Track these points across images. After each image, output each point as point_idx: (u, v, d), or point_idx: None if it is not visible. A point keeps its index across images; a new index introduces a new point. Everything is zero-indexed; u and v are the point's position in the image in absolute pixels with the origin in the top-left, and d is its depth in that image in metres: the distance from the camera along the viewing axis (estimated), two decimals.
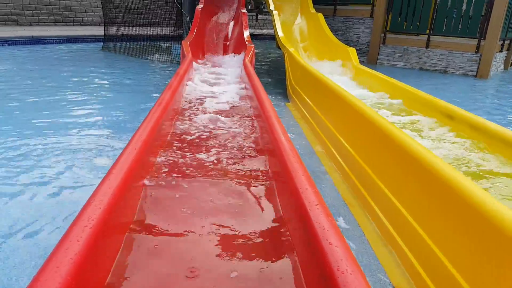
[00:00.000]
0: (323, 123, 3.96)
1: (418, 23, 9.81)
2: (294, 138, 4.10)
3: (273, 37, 8.76)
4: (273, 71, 8.68)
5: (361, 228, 2.48)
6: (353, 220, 2.58)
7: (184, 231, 1.67)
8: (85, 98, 5.17)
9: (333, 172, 3.31)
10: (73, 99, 5.03)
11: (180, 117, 3.35)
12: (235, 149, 2.73)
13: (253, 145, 2.81)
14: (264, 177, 2.27)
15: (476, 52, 9.06)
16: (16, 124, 3.92)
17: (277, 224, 1.77)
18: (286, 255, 1.54)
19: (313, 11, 8.87)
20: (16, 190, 2.64)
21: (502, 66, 10.62)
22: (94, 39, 11.15)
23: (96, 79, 6.45)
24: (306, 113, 4.76)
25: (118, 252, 1.46)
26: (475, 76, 9.11)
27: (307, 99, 4.81)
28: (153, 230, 1.65)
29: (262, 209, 1.91)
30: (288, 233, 1.66)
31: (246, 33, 7.13)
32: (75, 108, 4.65)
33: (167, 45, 9.67)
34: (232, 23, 8.73)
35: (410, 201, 2.15)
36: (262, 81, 6.91)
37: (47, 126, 3.92)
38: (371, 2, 10.59)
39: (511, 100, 7.00)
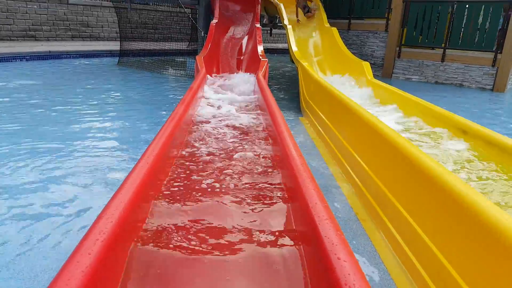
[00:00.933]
0: (336, 138, 3.91)
1: (433, 36, 9.74)
2: (307, 152, 4.05)
3: (287, 51, 8.79)
4: (287, 85, 8.68)
5: (373, 244, 2.42)
6: (365, 235, 2.52)
7: (192, 248, 1.63)
8: (100, 112, 5.23)
9: (346, 187, 3.25)
10: (88, 113, 5.09)
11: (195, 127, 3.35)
12: (247, 162, 2.69)
13: (266, 160, 2.77)
14: (277, 191, 2.23)
15: (493, 65, 8.92)
16: (31, 136, 3.97)
17: (288, 238, 1.74)
18: (295, 267, 1.54)
19: (328, 25, 8.89)
20: (32, 200, 2.64)
21: None
22: (110, 54, 11.37)
23: (111, 94, 6.53)
24: (319, 128, 4.72)
25: (126, 264, 1.45)
26: (492, 90, 8.95)
27: (321, 114, 4.77)
28: (162, 244, 1.62)
29: (275, 222, 1.89)
30: (299, 247, 1.65)
31: (260, 48, 7.17)
32: (90, 122, 4.70)
33: (182, 59, 9.79)
34: (246, 37, 8.80)
35: (424, 219, 2.07)
36: (275, 94, 6.93)
37: (61, 139, 3.96)
38: (386, 16, 10.57)
39: None
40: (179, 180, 2.32)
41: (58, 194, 2.81)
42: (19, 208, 2.58)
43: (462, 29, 9.31)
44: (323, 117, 4.62)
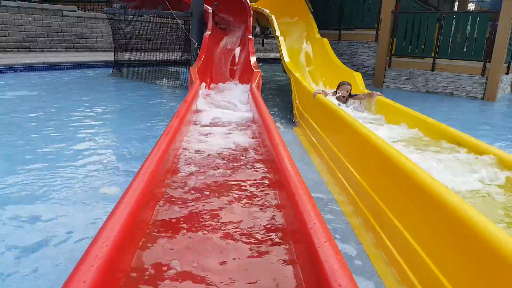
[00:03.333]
0: (330, 149, 3.97)
1: (423, 46, 9.91)
2: (301, 165, 4.10)
3: (279, 61, 8.89)
4: (280, 95, 8.76)
5: (372, 263, 2.44)
6: (363, 252, 2.55)
7: (190, 265, 1.66)
8: (93, 123, 5.25)
9: (341, 200, 3.30)
10: (81, 125, 5.11)
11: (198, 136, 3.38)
12: (241, 173, 2.73)
13: (261, 174, 2.81)
14: (274, 207, 2.25)
15: (482, 74, 9.09)
16: (22, 148, 3.98)
17: (287, 263, 1.72)
18: None
19: (318, 36, 9.02)
20: (23, 220, 2.65)
21: (509, 88, 10.62)
22: (104, 64, 11.40)
23: (105, 104, 6.56)
24: (313, 139, 4.78)
25: None
26: (482, 98, 9.10)
27: (314, 125, 4.84)
28: (161, 269, 1.63)
29: (273, 246, 1.86)
30: (300, 273, 1.63)
31: (253, 59, 7.24)
32: (83, 133, 4.72)
33: (175, 70, 9.85)
34: (239, 48, 8.88)
35: (423, 236, 2.11)
36: (269, 104, 6.99)
37: (53, 153, 3.97)
38: (376, 26, 10.75)
39: None
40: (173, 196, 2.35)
41: (48, 209, 2.81)
42: (5, 225, 2.59)
43: (451, 38, 9.49)
44: (316, 127, 4.69)
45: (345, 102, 5.48)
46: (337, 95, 5.48)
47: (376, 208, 2.69)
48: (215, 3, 9.59)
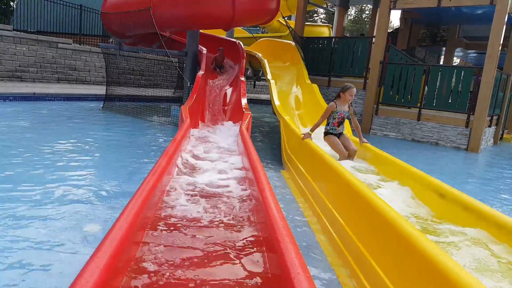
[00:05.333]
0: (317, 195, 3.95)
1: (409, 96, 10.22)
2: (287, 208, 4.06)
3: (269, 102, 9.03)
4: (269, 136, 8.83)
5: None
6: None
7: None
8: (79, 158, 5.17)
9: (327, 247, 3.24)
10: (66, 158, 5.03)
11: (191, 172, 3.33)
12: (227, 217, 2.68)
13: (246, 221, 2.76)
14: (258, 255, 2.20)
15: (466, 126, 9.35)
16: (3, 181, 3.87)
17: None
18: None
19: (309, 81, 9.25)
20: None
21: (492, 141, 10.90)
22: (95, 98, 11.43)
23: (92, 139, 6.50)
24: (300, 183, 4.77)
25: None
26: (466, 149, 9.31)
27: (302, 169, 4.84)
28: None
29: None
30: None
31: (244, 101, 7.36)
32: (67, 167, 4.63)
33: (166, 106, 9.91)
34: (231, 89, 9.04)
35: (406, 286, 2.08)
36: (257, 145, 7.03)
37: (35, 185, 3.87)
38: (364, 75, 11.10)
39: (504, 173, 7.10)
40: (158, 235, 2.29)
41: (30, 247, 2.70)
42: None
43: (436, 90, 9.82)
44: (305, 172, 4.69)
45: (347, 110, 5.30)
46: (340, 99, 5.24)
47: (360, 257, 2.64)
48: (221, 48, 9.88)
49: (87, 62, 14.34)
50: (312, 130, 5.25)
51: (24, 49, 12.37)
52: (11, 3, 23.00)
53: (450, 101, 9.70)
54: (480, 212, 2.98)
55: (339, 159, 5.12)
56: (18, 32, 12.50)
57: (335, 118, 5.34)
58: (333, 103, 5.31)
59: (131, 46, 9.98)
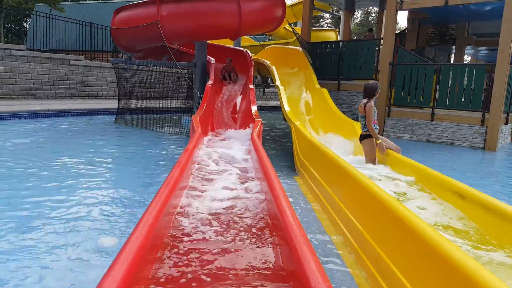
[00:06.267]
0: (332, 199, 3.90)
1: (421, 97, 10.09)
2: (302, 215, 4.02)
3: (279, 108, 9.03)
4: (280, 142, 8.80)
5: None
6: None
7: None
8: (93, 171, 5.21)
9: (346, 253, 3.18)
10: (81, 173, 5.07)
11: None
12: (241, 230, 2.65)
13: (262, 229, 2.73)
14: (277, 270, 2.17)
15: (482, 124, 9.17)
16: (21, 197, 3.92)
17: None
18: None
19: (318, 86, 9.22)
20: (18, 271, 2.55)
21: (509, 138, 10.68)
22: (107, 111, 11.58)
23: (106, 152, 6.56)
24: (314, 188, 4.72)
25: None
26: (483, 148, 9.12)
27: (315, 173, 4.80)
28: None
29: None
30: None
31: (254, 108, 7.36)
32: (82, 182, 4.67)
33: (177, 117, 9.98)
34: (240, 97, 9.07)
35: None
36: (269, 152, 7.01)
37: (52, 200, 3.91)
38: (374, 77, 11.01)
39: None
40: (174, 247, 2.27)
41: (46, 262, 2.72)
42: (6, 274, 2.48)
43: (449, 89, 9.67)
44: (318, 176, 4.64)
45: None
46: (374, 97, 5.23)
47: (379, 262, 2.58)
48: (229, 58, 9.94)
49: (99, 77, 14.56)
50: (377, 137, 5.13)
51: (38, 67, 12.63)
52: (24, 24, 23.57)
53: (463, 99, 9.54)
54: None
55: (368, 162, 5.13)
56: (32, 52, 12.78)
57: (374, 117, 5.26)
58: (372, 103, 5.24)
59: (141, 60, 10.12)
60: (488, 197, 3.12)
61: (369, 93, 5.26)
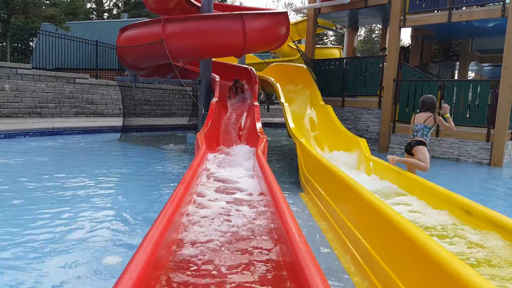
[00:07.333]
0: (338, 216, 3.85)
1: None
2: (308, 232, 3.96)
3: (284, 125, 9.03)
4: (285, 159, 8.77)
5: None
6: None
7: None
8: (97, 189, 5.20)
9: (352, 271, 3.12)
10: (85, 191, 5.06)
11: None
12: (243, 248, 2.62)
13: (268, 248, 2.69)
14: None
15: (487, 140, 9.11)
16: (24, 214, 3.90)
17: None
18: None
19: (322, 103, 9.23)
20: None
21: None
22: (112, 129, 11.63)
23: (111, 169, 6.56)
24: (320, 205, 4.67)
25: None
26: (489, 164, 9.04)
27: (321, 190, 4.75)
28: None
29: None
30: None
31: (259, 125, 7.36)
32: (86, 199, 4.65)
33: (182, 134, 10.00)
34: (245, 114, 9.09)
35: None
36: (274, 168, 6.97)
37: (54, 219, 3.88)
38: (378, 94, 11.03)
39: None
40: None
41: (50, 281, 2.68)
42: None
43: (453, 105, 9.65)
44: (324, 194, 4.60)
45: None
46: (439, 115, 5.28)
47: (385, 277, 2.52)
48: (237, 79, 9.98)
49: (104, 96, 14.69)
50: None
51: (43, 85, 12.77)
52: (30, 43, 23.98)
53: (468, 115, 9.51)
54: None
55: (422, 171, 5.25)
56: (37, 70, 12.96)
57: (430, 129, 5.47)
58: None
59: (146, 78, 10.21)
60: (494, 212, 3.07)
61: (430, 106, 5.40)
